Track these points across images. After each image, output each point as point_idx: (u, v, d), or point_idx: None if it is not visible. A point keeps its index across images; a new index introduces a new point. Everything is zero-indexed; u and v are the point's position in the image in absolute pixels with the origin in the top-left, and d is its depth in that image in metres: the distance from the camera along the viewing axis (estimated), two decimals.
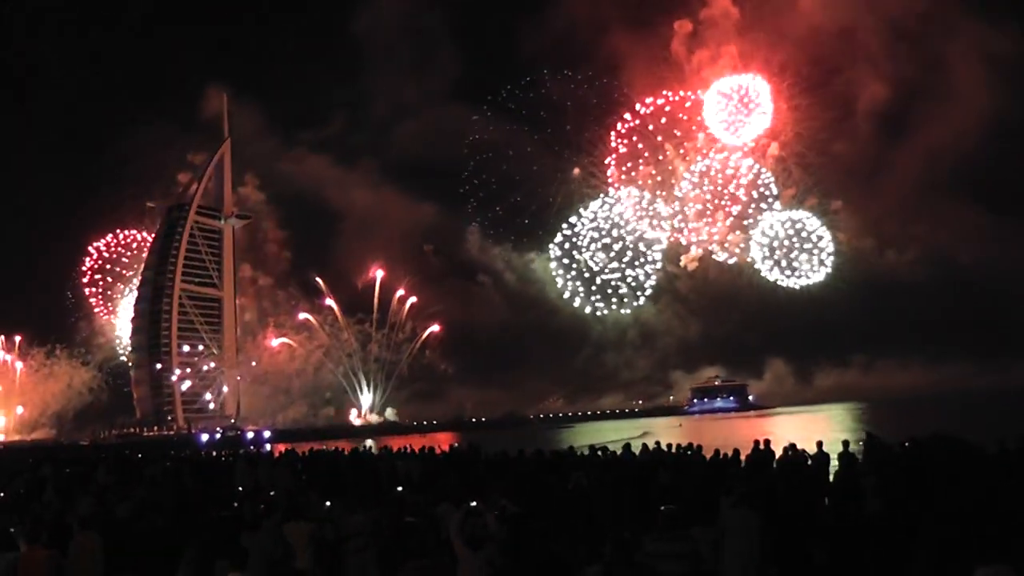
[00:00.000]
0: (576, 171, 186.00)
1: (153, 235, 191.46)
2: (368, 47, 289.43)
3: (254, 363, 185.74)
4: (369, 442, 57.65)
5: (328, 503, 15.91)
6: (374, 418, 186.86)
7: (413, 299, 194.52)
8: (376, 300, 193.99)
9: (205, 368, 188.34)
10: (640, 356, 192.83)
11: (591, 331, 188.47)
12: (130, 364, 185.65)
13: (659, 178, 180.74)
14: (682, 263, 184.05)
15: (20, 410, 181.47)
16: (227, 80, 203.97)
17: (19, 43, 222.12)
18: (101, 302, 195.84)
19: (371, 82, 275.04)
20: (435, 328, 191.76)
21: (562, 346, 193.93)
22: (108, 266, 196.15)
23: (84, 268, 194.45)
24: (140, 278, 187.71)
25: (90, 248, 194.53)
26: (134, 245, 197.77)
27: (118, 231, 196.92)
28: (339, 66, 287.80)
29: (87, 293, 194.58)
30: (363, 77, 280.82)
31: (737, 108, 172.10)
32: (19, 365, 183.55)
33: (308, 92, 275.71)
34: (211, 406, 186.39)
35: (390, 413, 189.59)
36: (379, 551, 13.25)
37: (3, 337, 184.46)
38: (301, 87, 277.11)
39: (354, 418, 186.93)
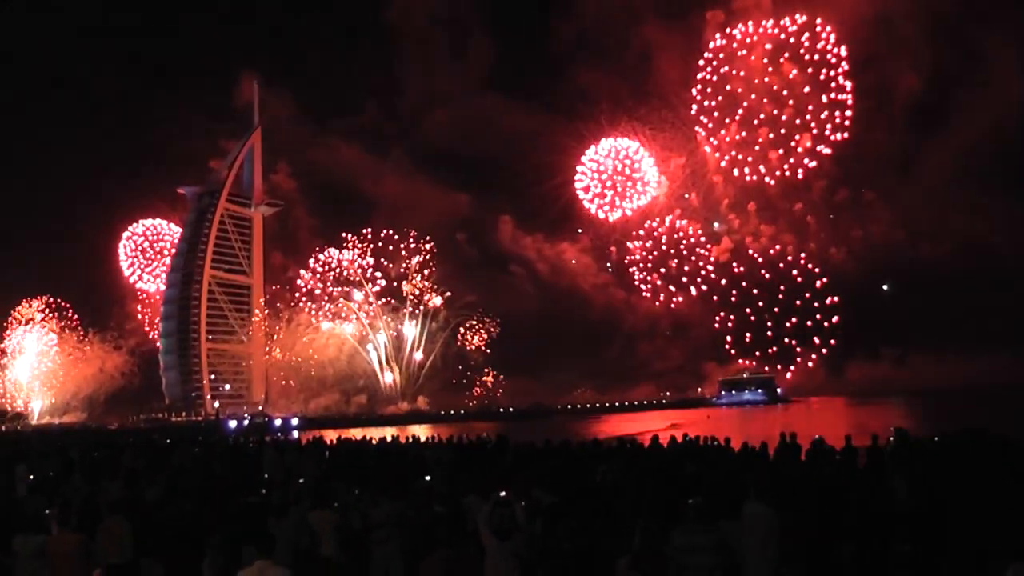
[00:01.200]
0: (610, 161, 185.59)
1: (184, 222, 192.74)
2: (400, 35, 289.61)
3: (277, 351, 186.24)
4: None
5: (355, 492, 15.97)
6: (405, 406, 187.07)
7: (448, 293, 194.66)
8: (411, 287, 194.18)
9: (237, 358, 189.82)
10: (673, 347, 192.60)
11: (623, 322, 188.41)
12: (159, 349, 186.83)
13: (689, 171, 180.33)
14: (714, 254, 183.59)
15: (52, 400, 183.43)
16: (260, 68, 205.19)
17: (54, 29, 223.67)
18: (132, 286, 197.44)
19: (403, 71, 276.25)
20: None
21: (594, 337, 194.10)
22: (138, 254, 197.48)
23: (116, 252, 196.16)
24: (170, 264, 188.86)
25: (122, 232, 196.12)
26: (166, 237, 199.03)
27: (152, 220, 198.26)
28: (371, 54, 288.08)
29: (119, 277, 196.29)
30: (395, 66, 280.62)
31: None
32: (54, 350, 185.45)
33: (340, 80, 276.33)
34: (235, 393, 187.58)
35: (422, 402, 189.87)
36: (406, 541, 13.27)
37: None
38: (333, 75, 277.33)
39: (386, 406, 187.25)
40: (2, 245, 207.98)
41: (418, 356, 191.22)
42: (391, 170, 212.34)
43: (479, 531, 10.22)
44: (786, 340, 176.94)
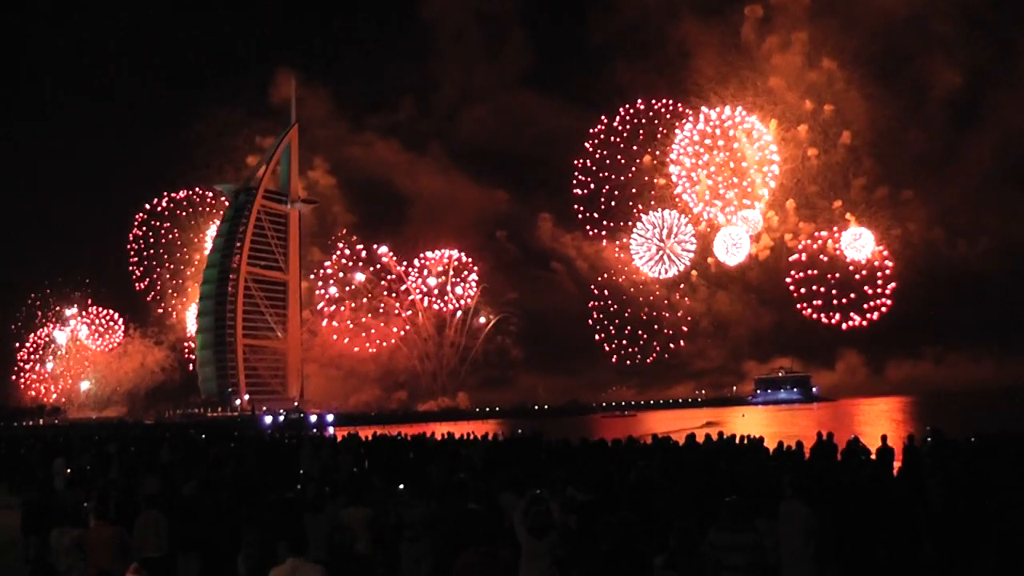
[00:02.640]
0: (647, 159, 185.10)
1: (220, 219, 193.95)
2: (438, 32, 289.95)
3: (305, 350, 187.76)
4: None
5: (391, 488, 15.95)
6: (445, 402, 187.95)
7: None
8: (450, 284, 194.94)
9: (274, 354, 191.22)
10: (713, 346, 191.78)
11: (664, 320, 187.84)
12: (196, 346, 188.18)
13: (731, 164, 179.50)
14: (753, 251, 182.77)
15: (87, 385, 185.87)
16: (297, 65, 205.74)
17: (92, 28, 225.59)
18: (166, 284, 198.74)
19: (440, 67, 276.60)
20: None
21: (634, 335, 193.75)
22: (164, 253, 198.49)
23: (151, 245, 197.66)
24: (206, 260, 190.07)
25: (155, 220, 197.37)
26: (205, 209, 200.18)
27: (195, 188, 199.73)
28: (408, 51, 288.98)
29: (155, 274, 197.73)
30: (432, 62, 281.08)
31: None
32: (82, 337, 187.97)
33: (377, 77, 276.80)
34: (271, 389, 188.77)
35: (461, 398, 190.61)
36: (440, 538, 13.23)
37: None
38: (370, 72, 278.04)
39: (425, 401, 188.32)
40: (41, 250, 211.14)
41: (482, 319, 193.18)
42: (428, 167, 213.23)
43: (514, 528, 10.18)
44: (826, 338, 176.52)
